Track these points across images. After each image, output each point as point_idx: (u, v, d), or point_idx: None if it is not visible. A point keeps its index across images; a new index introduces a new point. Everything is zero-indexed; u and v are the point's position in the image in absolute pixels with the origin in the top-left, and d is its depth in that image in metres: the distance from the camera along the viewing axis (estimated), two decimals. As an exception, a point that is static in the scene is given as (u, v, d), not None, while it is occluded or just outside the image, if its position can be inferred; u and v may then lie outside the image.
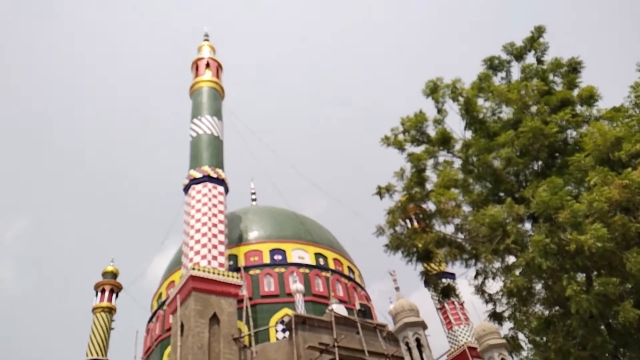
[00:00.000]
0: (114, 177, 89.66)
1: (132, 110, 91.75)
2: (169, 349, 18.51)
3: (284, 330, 19.49)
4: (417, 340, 9.67)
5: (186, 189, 20.83)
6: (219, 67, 27.70)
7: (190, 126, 23.84)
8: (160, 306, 23.08)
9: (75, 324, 71.60)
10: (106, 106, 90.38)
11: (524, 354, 16.13)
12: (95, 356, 26.75)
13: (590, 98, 11.64)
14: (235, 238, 23.71)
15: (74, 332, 66.59)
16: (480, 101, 13.34)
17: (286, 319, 18.46)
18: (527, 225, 11.59)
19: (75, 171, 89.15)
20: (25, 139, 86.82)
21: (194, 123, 23.73)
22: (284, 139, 74.54)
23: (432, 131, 14.17)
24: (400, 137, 14.27)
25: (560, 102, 11.71)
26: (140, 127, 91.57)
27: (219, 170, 21.39)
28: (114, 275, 31.00)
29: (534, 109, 12.14)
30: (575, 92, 12.12)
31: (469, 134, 13.75)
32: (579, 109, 11.79)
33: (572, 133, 11.74)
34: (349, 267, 25.61)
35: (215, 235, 18.85)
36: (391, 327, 14.17)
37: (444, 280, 16.05)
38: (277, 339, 19.64)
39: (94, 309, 28.90)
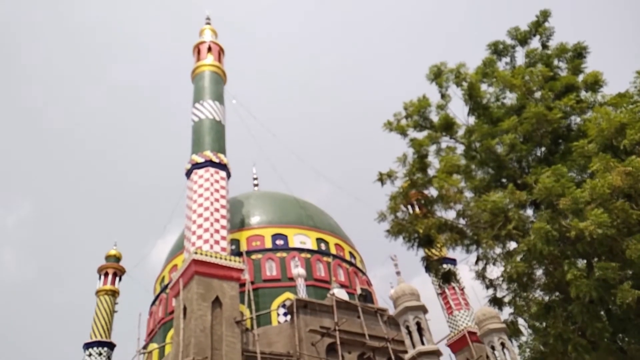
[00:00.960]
0: (116, 162, 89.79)
1: (134, 94, 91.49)
2: (171, 332, 18.72)
3: (285, 314, 19.67)
4: (418, 324, 9.75)
5: (188, 173, 20.84)
6: (221, 51, 27.48)
7: (192, 111, 23.73)
8: (163, 289, 23.29)
9: (78, 307, 72.42)
10: (108, 91, 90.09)
11: (524, 339, 16.31)
12: (99, 338, 27.12)
13: (595, 84, 11.54)
14: (237, 223, 23.80)
15: (77, 315, 67.37)
16: (484, 86, 13.25)
17: (288, 303, 18.62)
18: (529, 212, 11.61)
19: (76, 156, 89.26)
20: (26, 125, 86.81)
21: (196, 108, 23.63)
22: (285, 125, 74.39)
23: (435, 116, 14.09)
24: (403, 122, 14.20)
25: (565, 88, 11.62)
26: (143, 112, 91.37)
27: (221, 155, 21.37)
28: (117, 259, 31.25)
29: (538, 94, 12.06)
30: (580, 77, 12.01)
31: (472, 120, 13.68)
32: (583, 94, 11.69)
33: (576, 119, 11.67)
34: (350, 253, 25.74)
35: (217, 220, 18.92)
36: (392, 311, 14.29)
37: (444, 265, 16.14)
38: (279, 322, 19.84)
39: (98, 292, 29.20)
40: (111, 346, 27.23)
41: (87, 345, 26.73)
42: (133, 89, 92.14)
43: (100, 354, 26.45)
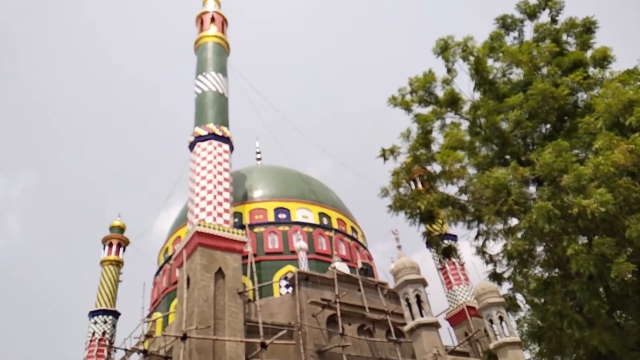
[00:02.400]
0: (120, 133, 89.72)
1: (139, 66, 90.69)
2: (175, 301, 19.06)
3: (287, 286, 19.95)
4: (417, 297, 9.90)
5: (191, 146, 20.81)
6: (224, 21, 27.04)
7: (195, 82, 23.53)
8: (167, 260, 23.60)
9: (83, 277, 73.59)
10: (112, 63, 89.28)
11: (522, 314, 16.58)
12: (104, 307, 27.67)
13: (603, 60, 11.36)
14: (240, 196, 23.91)
15: (82, 284, 68.59)
16: (490, 62, 13.08)
17: (289, 276, 18.87)
18: (532, 189, 11.62)
19: (79, 127, 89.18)
20: (29, 95, 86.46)
21: (199, 79, 23.42)
22: (288, 100, 73.76)
23: (440, 91, 13.97)
24: (408, 97, 14.09)
25: (573, 64, 11.45)
26: (148, 83, 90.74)
27: (224, 128, 21.28)
28: (121, 229, 31.58)
29: (545, 70, 11.90)
30: (589, 53, 11.82)
31: (477, 96, 13.55)
32: (591, 71, 11.53)
33: (582, 96, 11.54)
34: (352, 227, 25.92)
35: (220, 193, 18.99)
36: (392, 285, 14.48)
37: (445, 241, 16.27)
38: (281, 294, 20.16)
39: (102, 262, 29.62)
40: (116, 315, 27.84)
41: (93, 314, 27.33)
42: (137, 61, 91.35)
43: (105, 322, 27.05)
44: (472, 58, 12.93)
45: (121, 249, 30.71)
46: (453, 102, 13.57)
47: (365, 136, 78.33)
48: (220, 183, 19.32)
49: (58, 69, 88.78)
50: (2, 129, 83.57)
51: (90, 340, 26.40)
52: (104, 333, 26.69)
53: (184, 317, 15.00)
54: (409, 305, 9.92)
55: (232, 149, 21.31)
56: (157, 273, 24.91)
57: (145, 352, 16.70)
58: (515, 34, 13.28)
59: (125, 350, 17.87)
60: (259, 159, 32.66)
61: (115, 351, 23.44)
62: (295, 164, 28.69)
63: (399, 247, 12.09)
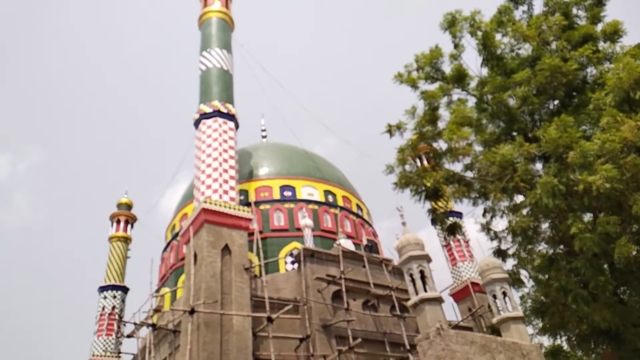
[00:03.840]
0: (126, 110, 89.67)
1: (144, 42, 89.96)
2: (183, 277, 19.35)
3: (293, 263, 20.17)
4: (421, 272, 9.98)
5: (197, 123, 20.78)
6: (229, -4, 26.61)
7: (199, 59, 23.34)
8: (174, 237, 23.87)
9: (91, 252, 74.67)
10: (118, 39, 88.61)
11: (525, 290, 16.69)
12: (113, 282, 28.19)
13: (614, 34, 11.14)
14: (246, 174, 23.98)
15: (91, 260, 69.66)
16: (498, 36, 12.86)
17: (295, 252, 19.05)
18: (539, 165, 11.56)
19: (86, 104, 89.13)
20: (37, 71, 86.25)
21: (203, 56, 23.21)
22: (293, 77, 73.18)
23: (447, 68, 13.81)
24: (414, 74, 13.94)
25: (582, 38, 11.24)
26: (153, 59, 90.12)
27: (229, 106, 21.19)
28: (129, 206, 31.88)
29: (554, 45, 11.70)
30: (599, 27, 11.58)
31: (485, 71, 13.38)
32: (601, 45, 11.31)
33: (592, 71, 11.36)
34: (357, 205, 26.00)
35: (226, 170, 19.05)
36: (397, 262, 14.60)
37: (450, 218, 16.31)
38: (287, 270, 20.40)
39: (110, 238, 30.03)
40: (125, 290, 28.39)
41: (102, 289, 27.89)
42: (144, 37, 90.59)
43: (114, 296, 27.62)
44: (479, 33, 12.72)
45: (129, 226, 31.07)
46: (460, 78, 13.42)
47: (370, 114, 77.86)
48: (225, 161, 19.36)
49: (65, 46, 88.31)
50: (8, 105, 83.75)
51: (100, 315, 26.99)
52: (113, 308, 27.25)
53: (192, 292, 15.25)
54: (412, 280, 10.01)
55: (237, 126, 21.27)
56: (164, 249, 25.24)
57: (154, 326, 17.06)
58: (525, 7, 13.02)
59: (135, 324, 18.26)
60: (264, 137, 32.61)
61: (124, 325, 23.93)
62: (301, 142, 28.64)
63: (404, 223, 12.14)
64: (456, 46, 13.43)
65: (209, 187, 18.40)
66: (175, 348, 16.67)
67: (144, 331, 18.69)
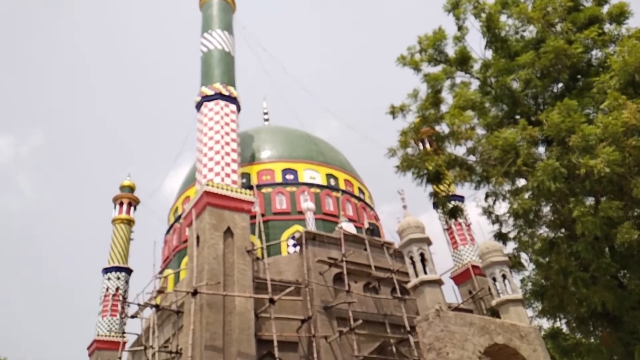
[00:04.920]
0: (128, 93, 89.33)
1: (146, 24, 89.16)
2: (186, 259, 19.52)
3: (294, 245, 20.29)
4: (421, 255, 10.05)
5: (198, 106, 20.69)
6: (229, -23, 26.22)
7: (200, 41, 23.13)
8: (177, 219, 23.99)
9: (95, 234, 75.22)
10: (120, 21, 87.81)
11: (526, 273, 16.79)
12: (116, 264, 28.47)
13: (620, 15, 10.98)
14: (248, 157, 23.96)
15: (94, 241, 70.13)
16: (503, 18, 12.70)
17: (297, 235, 19.14)
18: (541, 149, 11.53)
19: (87, 86, 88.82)
20: (38, 52, 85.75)
21: (205, 38, 22.99)
22: (295, 60, 72.54)
23: (450, 50, 13.68)
24: (417, 56, 13.82)
25: (588, 20, 11.08)
26: (155, 42, 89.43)
27: (231, 88, 21.06)
28: (131, 189, 32.00)
29: (559, 27, 11.55)
30: (605, 8, 11.41)
31: (489, 54, 13.26)
32: (607, 27, 11.17)
33: (597, 54, 11.23)
34: (359, 188, 26.02)
35: (228, 154, 19.04)
36: (398, 245, 14.68)
37: (452, 202, 16.34)
38: (288, 253, 20.53)
39: (114, 221, 30.22)
40: (128, 271, 28.69)
41: (106, 270, 28.19)
42: (145, 19, 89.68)
43: (118, 278, 27.93)
44: (483, 15, 12.57)
45: (132, 208, 31.23)
46: (463, 60, 13.31)
47: (373, 97, 77.32)
48: (227, 144, 19.34)
49: (66, 28, 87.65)
50: (9, 87, 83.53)
51: (105, 296, 27.33)
52: (117, 289, 27.56)
53: (195, 273, 15.40)
54: (413, 263, 10.08)
55: (239, 109, 21.18)
56: (167, 232, 25.40)
57: (157, 306, 17.27)
58: (531, -13, 12.82)
59: (138, 304, 18.48)
60: (266, 120, 32.49)
61: (128, 306, 24.22)
62: (303, 125, 28.52)
63: (405, 207, 12.17)
64: (460, 28, 13.29)
65: (211, 170, 18.42)
66: (178, 328, 16.90)
67: (148, 312, 18.95)
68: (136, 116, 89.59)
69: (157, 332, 16.82)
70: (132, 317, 19.32)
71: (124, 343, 21.50)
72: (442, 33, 13.28)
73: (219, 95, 20.52)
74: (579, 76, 11.48)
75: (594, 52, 11.20)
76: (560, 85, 11.75)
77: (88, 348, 26.26)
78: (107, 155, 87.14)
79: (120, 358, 20.41)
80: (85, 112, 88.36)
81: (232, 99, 20.80)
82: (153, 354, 16.31)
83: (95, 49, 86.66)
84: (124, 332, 23.16)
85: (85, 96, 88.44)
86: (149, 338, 17.47)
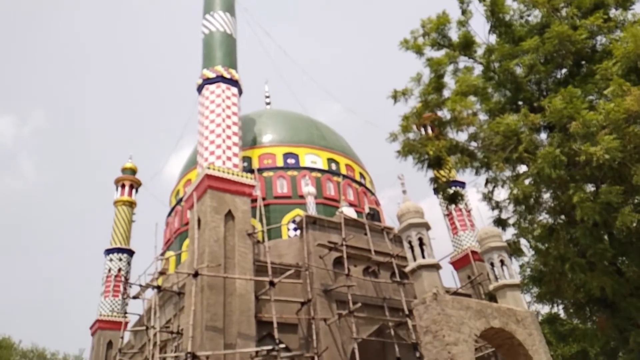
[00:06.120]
0: (130, 75, 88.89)
1: (148, 6, 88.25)
2: (187, 241, 19.64)
3: (295, 229, 20.38)
4: (420, 240, 10.12)
5: (200, 89, 20.57)
6: (231, -43, 25.81)
7: (202, 22, 22.90)
8: (178, 202, 24.07)
9: (97, 214, 75.59)
10: (122, 3, 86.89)
11: (525, 259, 16.90)
12: (118, 245, 28.69)
13: (626, 0, 10.85)
14: (249, 140, 23.92)
15: (96, 224, 70.61)
16: (508, 1, 12.56)
17: (297, 219, 19.20)
18: (543, 135, 11.51)
19: (89, 68, 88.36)
20: (39, 32, 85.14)
21: (206, 19, 22.75)
22: (298, 44, 71.87)
23: (454, 34, 13.57)
24: (420, 40, 13.72)
25: (593, 5, 10.96)
26: (157, 22, 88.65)
27: (232, 71, 20.91)
28: (133, 171, 32.07)
29: (564, 12, 11.43)
30: (611, -7, 11.27)
31: (492, 39, 13.15)
32: (613, 12, 11.04)
33: (602, 39, 11.13)
34: (360, 173, 26.01)
35: (229, 137, 19.00)
36: (397, 230, 14.76)
37: (453, 188, 16.37)
38: (289, 236, 20.62)
39: (116, 203, 30.36)
40: (130, 253, 28.90)
41: (108, 251, 28.41)
42: (145, 1, 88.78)
43: (120, 259, 28.16)
44: (488, -2, 12.44)
45: (133, 190, 31.34)
46: (467, 45, 13.21)
47: (376, 82, 76.80)
48: (229, 127, 19.29)
49: (68, 8, 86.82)
50: (10, 68, 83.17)
51: (107, 277, 27.60)
52: (119, 270, 27.81)
53: (196, 255, 15.53)
54: (411, 247, 10.15)
55: (240, 92, 21.07)
56: (169, 214, 25.52)
57: (159, 287, 17.45)
58: (536, -28, 12.63)
59: (140, 285, 18.67)
60: (268, 103, 32.34)
61: (130, 286, 24.49)
62: (305, 109, 28.41)
63: (404, 192, 12.19)
64: (464, 12, 13.16)
65: (212, 153, 18.43)
66: (180, 309, 17.11)
67: (150, 293, 19.16)
68: (138, 99, 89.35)
69: (159, 312, 17.00)
70: (134, 297, 19.54)
71: (126, 323, 21.80)
72: (446, 17, 13.16)
73: (221, 78, 20.40)
74: (583, 62, 11.40)
75: (598, 38, 11.10)
76: (564, 71, 11.67)
77: (91, 328, 26.63)
78: (109, 137, 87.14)
79: (122, 338, 20.71)
80: (87, 93, 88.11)
81: (233, 82, 20.69)
82: (155, 334, 16.54)
83: (97, 30, 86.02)
84: (126, 313, 23.48)
85: (87, 78, 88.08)
86: (150, 318, 17.69)
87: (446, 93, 13.54)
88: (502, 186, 12.73)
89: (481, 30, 13.92)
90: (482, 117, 12.88)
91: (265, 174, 22.82)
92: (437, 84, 13.51)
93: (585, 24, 10.63)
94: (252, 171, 21.61)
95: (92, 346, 26.14)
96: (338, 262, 17.78)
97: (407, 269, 10.50)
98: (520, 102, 12.35)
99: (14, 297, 67.27)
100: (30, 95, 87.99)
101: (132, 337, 21.66)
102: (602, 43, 11.08)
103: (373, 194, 26.33)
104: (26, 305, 66.48)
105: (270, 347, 14.02)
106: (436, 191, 18.02)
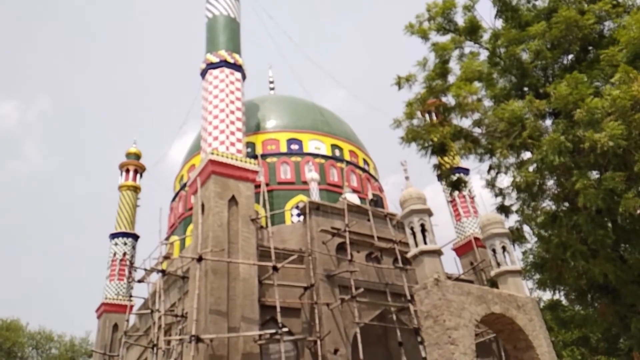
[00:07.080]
0: (135, 60, 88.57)
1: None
2: (191, 226, 19.76)
3: (298, 215, 20.46)
4: (422, 226, 10.15)
5: (203, 73, 20.48)
6: (235, -61, 25.45)
7: (205, 6, 22.72)
8: (182, 187, 24.17)
9: (103, 200, 76.05)
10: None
11: (528, 246, 16.93)
12: (123, 229, 28.92)
13: (635, -15, 10.67)
14: (253, 126, 23.89)
15: (101, 208, 71.11)
16: (515, -16, 12.37)
17: (301, 205, 19.27)
18: (548, 122, 11.43)
19: (92, 53, 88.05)
20: (44, 18, 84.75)
21: (210, 3, 22.53)
22: (302, 28, 71.22)
23: (460, 19, 13.40)
24: (425, 25, 13.56)
25: (603, -11, 10.78)
26: (161, 6, 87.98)
27: (236, 56, 20.79)
28: (137, 156, 32.15)
29: (572, -4, 11.25)
30: (621, -23, 11.07)
31: (499, 24, 12.98)
32: (621, -3, 10.87)
33: (609, 25, 10.97)
34: (364, 159, 25.98)
35: (232, 122, 18.97)
36: (399, 216, 14.79)
37: (457, 174, 16.33)
38: (292, 222, 20.72)
39: (120, 187, 30.51)
40: (135, 237, 29.14)
41: (113, 236, 28.66)
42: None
43: (125, 243, 28.40)
44: (495, -19, 12.25)
45: (138, 175, 31.46)
46: (473, 30, 13.05)
47: (381, 68, 76.23)
48: (232, 112, 19.25)
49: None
50: (14, 52, 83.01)
51: (112, 261, 27.87)
52: (124, 254, 28.07)
53: (200, 240, 15.65)
54: (413, 233, 10.20)
55: (244, 77, 20.97)
56: (173, 199, 25.64)
57: (163, 271, 17.63)
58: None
59: (145, 270, 18.86)
60: (272, 89, 32.19)
61: (135, 271, 24.78)
62: (309, 94, 28.28)
63: (407, 178, 12.19)
64: (470, -4, 12.97)
65: (215, 138, 18.42)
66: (184, 293, 17.30)
67: (154, 277, 19.35)
68: (142, 83, 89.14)
69: (163, 296, 17.22)
70: (139, 281, 19.76)
71: (131, 306, 22.07)
72: (451, 1, 12.99)
73: (224, 63, 20.29)
74: (590, 48, 11.26)
75: (606, 24, 10.93)
76: (570, 56, 11.54)
77: (96, 311, 26.99)
78: (114, 122, 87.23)
79: (127, 321, 20.99)
80: (91, 78, 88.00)
81: (237, 67, 20.58)
82: (159, 317, 16.76)
83: (101, 15, 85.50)
84: (131, 296, 23.72)
85: (91, 62, 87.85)
86: (155, 302, 17.92)
87: (451, 79, 13.42)
88: (506, 173, 12.70)
89: (487, 15, 13.73)
90: (487, 103, 12.79)
91: (268, 159, 22.84)
92: (442, 70, 13.39)
93: (593, 9, 10.47)
94: (255, 157, 21.62)
95: (98, 329, 26.55)
96: (341, 247, 17.88)
97: (408, 255, 10.55)
98: (525, 88, 12.24)
99: (21, 281, 68.20)
100: (35, 79, 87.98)
101: (137, 320, 21.96)
102: (610, 28, 10.93)
103: (377, 180, 26.33)
104: (33, 289, 67.42)
105: (273, 331, 14.20)
106: (440, 178, 17.98)
